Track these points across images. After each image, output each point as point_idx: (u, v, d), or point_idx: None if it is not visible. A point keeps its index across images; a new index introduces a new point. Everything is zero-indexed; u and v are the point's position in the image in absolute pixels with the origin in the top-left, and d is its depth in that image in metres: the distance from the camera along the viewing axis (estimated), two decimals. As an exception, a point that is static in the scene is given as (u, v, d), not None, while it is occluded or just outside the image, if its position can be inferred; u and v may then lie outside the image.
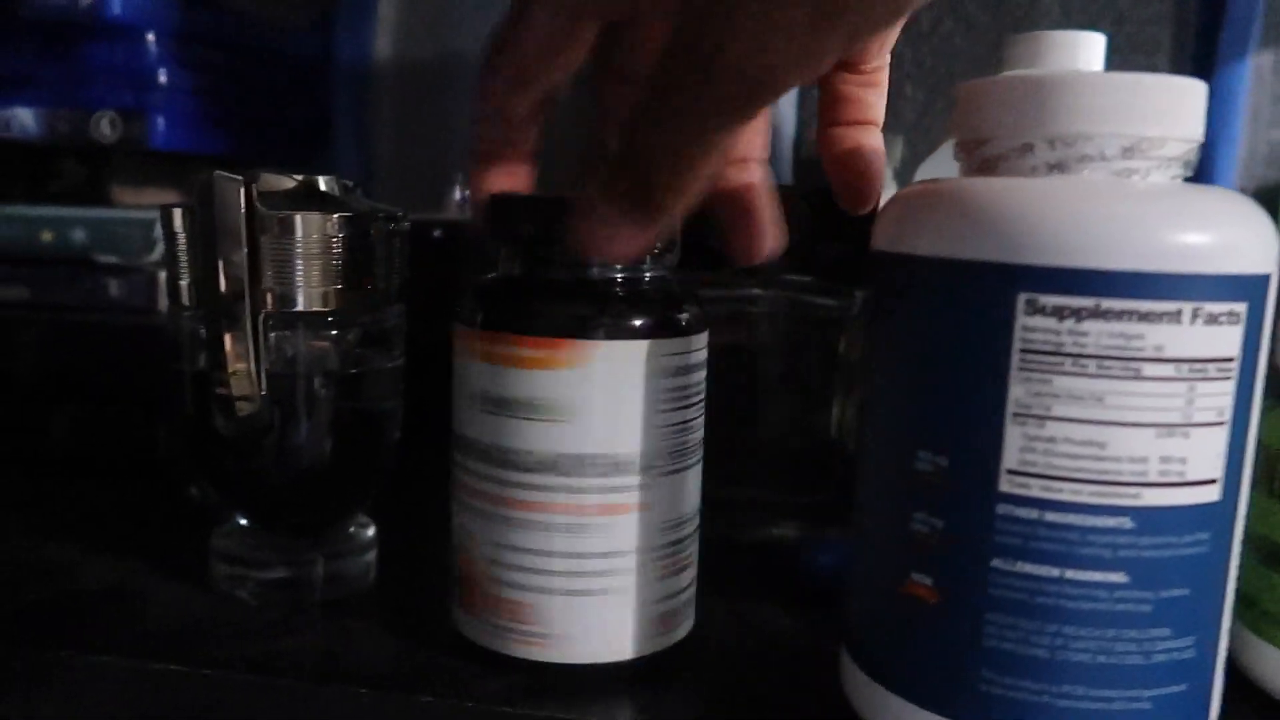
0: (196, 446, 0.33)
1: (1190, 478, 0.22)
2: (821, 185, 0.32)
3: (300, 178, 0.33)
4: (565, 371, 0.27)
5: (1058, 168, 0.23)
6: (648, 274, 0.29)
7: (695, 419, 0.30)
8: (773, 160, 0.50)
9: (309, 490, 0.34)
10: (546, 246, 0.28)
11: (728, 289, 0.43)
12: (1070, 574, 0.23)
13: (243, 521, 0.34)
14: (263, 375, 0.31)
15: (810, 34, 0.21)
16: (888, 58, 0.31)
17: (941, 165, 0.41)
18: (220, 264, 0.30)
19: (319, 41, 0.62)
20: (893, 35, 0.30)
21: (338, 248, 0.32)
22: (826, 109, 0.31)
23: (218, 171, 0.30)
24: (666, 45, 0.23)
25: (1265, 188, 0.56)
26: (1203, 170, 0.54)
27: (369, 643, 0.31)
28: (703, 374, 0.30)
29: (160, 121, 0.49)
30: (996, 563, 0.23)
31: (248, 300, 0.30)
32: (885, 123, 0.31)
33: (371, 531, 0.36)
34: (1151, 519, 0.22)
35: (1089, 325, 0.22)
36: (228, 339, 0.30)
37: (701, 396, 0.30)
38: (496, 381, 0.28)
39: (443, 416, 0.31)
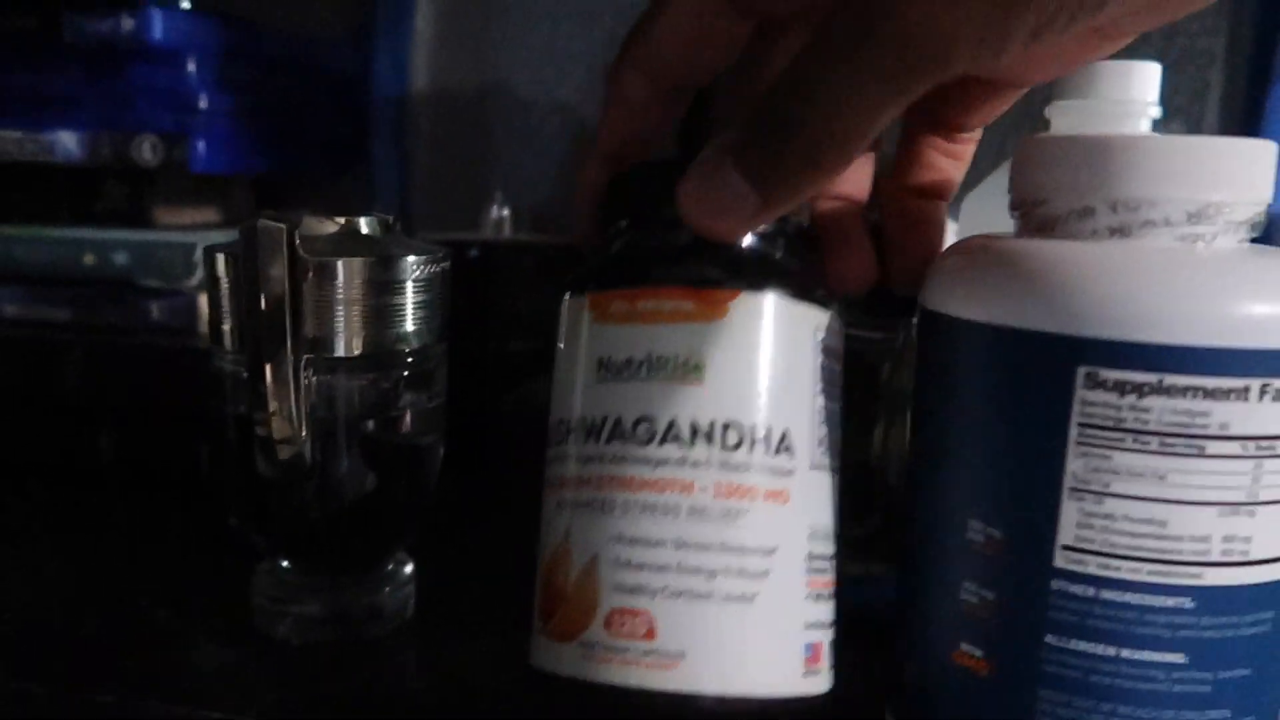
0: (238, 487, 0.34)
1: (1254, 557, 0.22)
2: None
3: (342, 221, 0.33)
4: (703, 324, 0.24)
5: (1119, 232, 0.23)
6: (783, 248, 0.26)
7: (840, 418, 0.26)
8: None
9: (349, 530, 0.34)
10: (672, 212, 0.24)
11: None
12: (1127, 653, 0.22)
13: (282, 560, 0.35)
14: (304, 419, 0.31)
15: (993, 12, 0.19)
16: (980, 134, 0.29)
17: (988, 198, 0.40)
18: (262, 310, 0.30)
19: (356, 58, 0.62)
20: (1008, 100, 0.28)
21: (379, 291, 0.32)
22: (905, 169, 0.29)
23: (262, 220, 0.29)
24: (833, 6, 0.21)
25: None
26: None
27: (414, 684, 0.31)
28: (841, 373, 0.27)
29: (201, 145, 0.49)
30: (1050, 639, 0.22)
31: (289, 345, 0.30)
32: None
33: (410, 568, 0.36)
34: (1213, 599, 0.22)
35: (1151, 401, 0.21)
36: (269, 382, 0.30)
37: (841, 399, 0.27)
38: (618, 342, 0.24)
39: (482, 444, 0.30)
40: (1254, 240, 0.24)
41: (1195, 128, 0.53)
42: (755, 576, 0.24)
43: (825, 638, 0.26)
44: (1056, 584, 0.22)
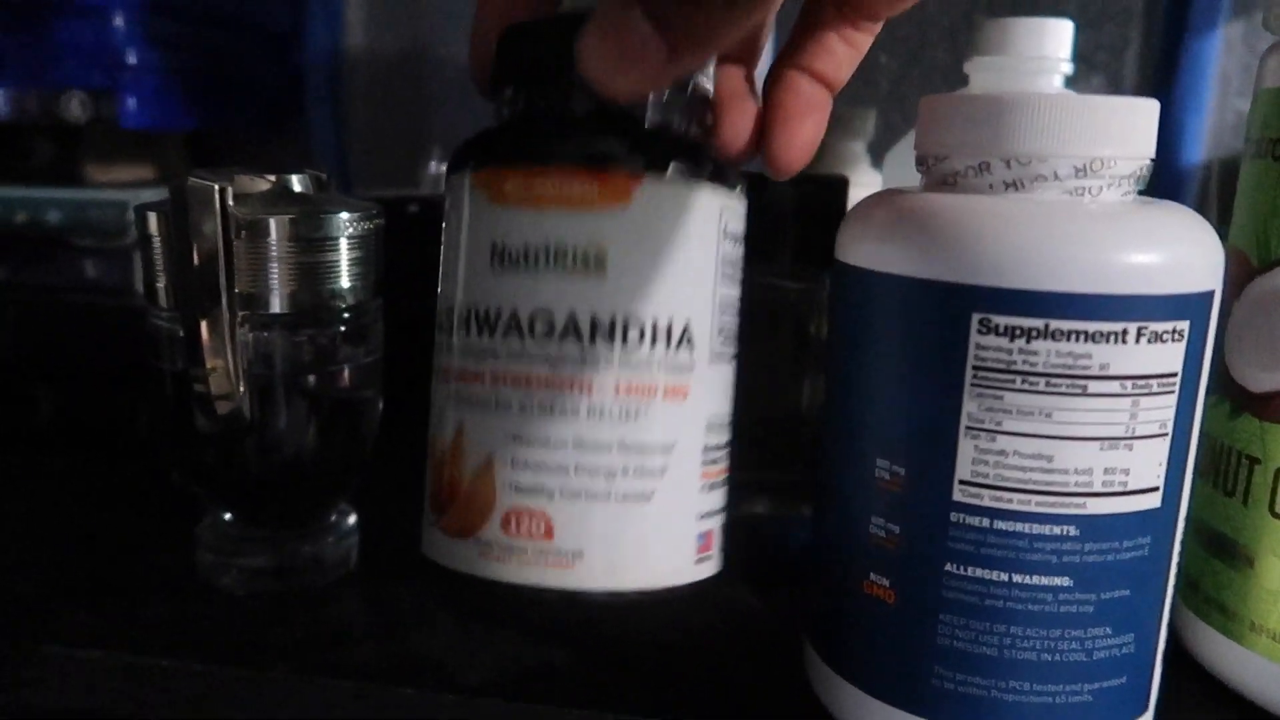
0: (178, 443, 0.34)
1: (1132, 487, 0.23)
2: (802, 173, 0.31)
3: (274, 178, 0.33)
4: (606, 213, 0.22)
5: (1013, 186, 0.24)
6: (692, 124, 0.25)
7: (739, 303, 0.26)
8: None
9: (290, 483, 0.35)
10: (569, 74, 0.21)
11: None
12: (1018, 579, 0.24)
13: (225, 514, 0.35)
14: (240, 375, 0.31)
15: None
16: (878, 29, 0.27)
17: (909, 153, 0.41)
18: (195, 267, 0.30)
19: (290, 13, 0.61)
20: None
21: (312, 248, 0.32)
22: (801, 51, 0.26)
23: (192, 178, 0.30)
24: None
25: (1232, 157, 0.57)
26: (1171, 140, 0.55)
27: (357, 631, 0.32)
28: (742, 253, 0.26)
29: (130, 101, 0.49)
30: (949, 567, 0.24)
31: (223, 302, 0.31)
32: (858, 93, 0.31)
33: (353, 519, 0.37)
34: (1095, 526, 0.23)
35: (1038, 345, 0.23)
36: (205, 340, 0.31)
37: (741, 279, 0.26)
38: (512, 228, 0.23)
39: (419, 400, 0.31)
40: (1141, 193, 0.25)
41: (1115, 83, 0.55)
42: (653, 474, 0.24)
43: (716, 524, 0.26)
44: (955, 516, 0.24)
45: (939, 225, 0.24)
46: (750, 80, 0.27)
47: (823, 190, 0.43)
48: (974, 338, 0.23)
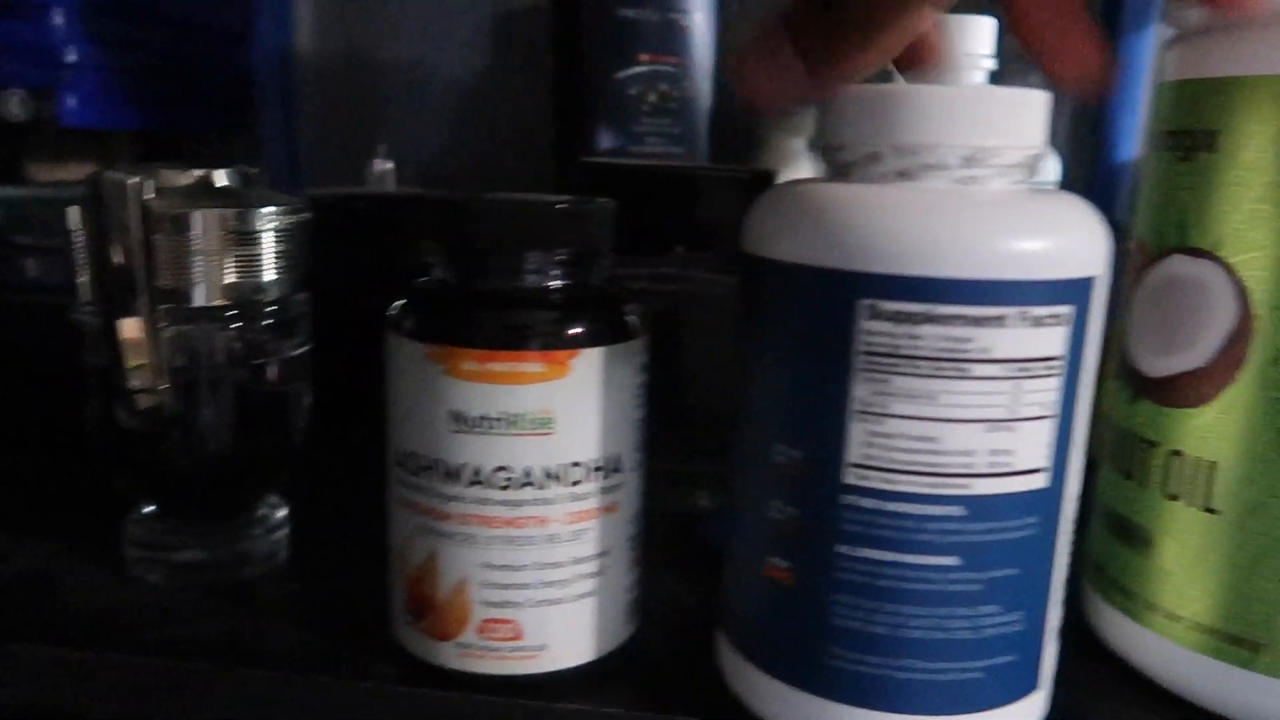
0: (105, 438, 0.34)
1: (1017, 468, 0.24)
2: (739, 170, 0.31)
3: (200, 173, 0.33)
4: (551, 383, 0.27)
5: (904, 175, 0.25)
6: (593, 279, 0.29)
7: (647, 413, 0.30)
8: (690, 124, 0.51)
9: (217, 477, 0.35)
10: (496, 255, 0.28)
11: (641, 268, 0.44)
12: (908, 558, 0.24)
13: (153, 508, 0.35)
14: (162, 369, 0.32)
15: None
16: None
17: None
18: (113, 262, 0.30)
19: (240, 13, 0.62)
20: None
21: (236, 242, 0.33)
22: None
23: (107, 172, 0.30)
24: None
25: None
26: (1105, 138, 0.56)
27: (282, 623, 0.33)
28: None
29: (71, 100, 0.49)
30: (841, 548, 0.25)
31: (143, 296, 0.31)
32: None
33: (283, 512, 0.37)
34: (981, 506, 0.24)
35: (923, 329, 0.23)
36: (124, 334, 0.31)
37: None
38: (469, 399, 0.27)
39: (355, 392, 0.31)
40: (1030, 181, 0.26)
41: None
42: (596, 575, 0.29)
43: (640, 590, 0.31)
44: (846, 499, 0.24)
45: (830, 214, 0.24)
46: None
47: (754, 185, 0.43)
48: (861, 323, 0.24)
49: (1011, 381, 0.24)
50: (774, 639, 0.26)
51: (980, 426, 0.24)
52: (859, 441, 0.24)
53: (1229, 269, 0.27)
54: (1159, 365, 0.29)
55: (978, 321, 0.23)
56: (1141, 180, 0.31)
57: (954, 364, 0.23)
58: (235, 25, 0.62)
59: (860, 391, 0.24)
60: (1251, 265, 0.26)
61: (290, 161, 0.63)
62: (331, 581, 0.35)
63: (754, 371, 0.26)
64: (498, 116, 0.59)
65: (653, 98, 0.50)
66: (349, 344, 0.40)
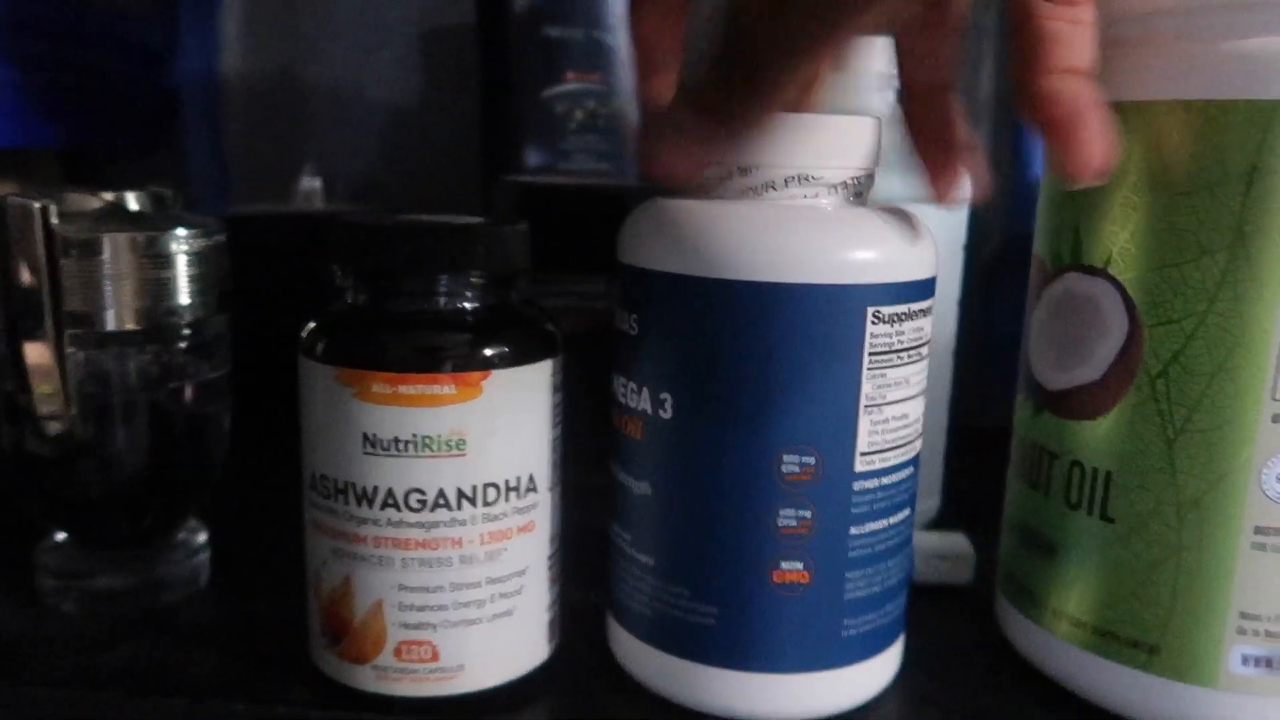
0: (15, 463, 0.34)
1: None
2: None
3: (110, 196, 0.33)
4: (463, 405, 0.27)
5: (750, 192, 0.26)
6: (511, 297, 0.29)
7: (563, 431, 0.30)
8: (617, 142, 0.52)
9: (132, 503, 0.35)
10: (405, 278, 0.28)
11: (567, 286, 0.44)
12: (894, 519, 0.28)
13: (66, 535, 0.35)
14: (70, 395, 0.31)
15: None
16: None
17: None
18: (16, 286, 0.30)
19: (163, 29, 0.61)
20: None
21: (147, 266, 0.32)
22: (1031, 53, 0.24)
23: (10, 196, 0.30)
24: None
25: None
26: (1025, 154, 0.57)
27: (201, 651, 0.32)
28: None
29: (-13, 119, 0.48)
30: (854, 530, 0.27)
31: (48, 321, 0.30)
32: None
33: (204, 536, 0.37)
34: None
35: (906, 325, 0.27)
36: (30, 359, 0.31)
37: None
38: (381, 422, 0.27)
39: (277, 413, 0.31)
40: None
41: (971, 99, 0.57)
42: (514, 595, 0.29)
43: (558, 609, 0.31)
44: (857, 485, 0.27)
45: (684, 226, 0.26)
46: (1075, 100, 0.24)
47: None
48: (869, 328, 0.26)
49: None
50: (790, 635, 0.27)
51: (921, 397, 0.28)
52: (866, 432, 0.27)
53: (1119, 286, 0.28)
54: (1058, 379, 0.30)
55: (929, 312, 0.27)
56: (1039, 200, 0.32)
57: (919, 350, 0.27)
58: (160, 42, 0.61)
59: (869, 388, 0.26)
60: (1139, 283, 0.27)
61: (219, 179, 0.62)
62: (253, 605, 0.35)
63: (746, 391, 0.27)
64: (427, 134, 0.59)
65: (580, 115, 0.51)
66: (270, 365, 0.40)
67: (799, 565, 0.27)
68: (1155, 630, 0.28)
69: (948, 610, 0.35)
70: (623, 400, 0.28)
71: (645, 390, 0.27)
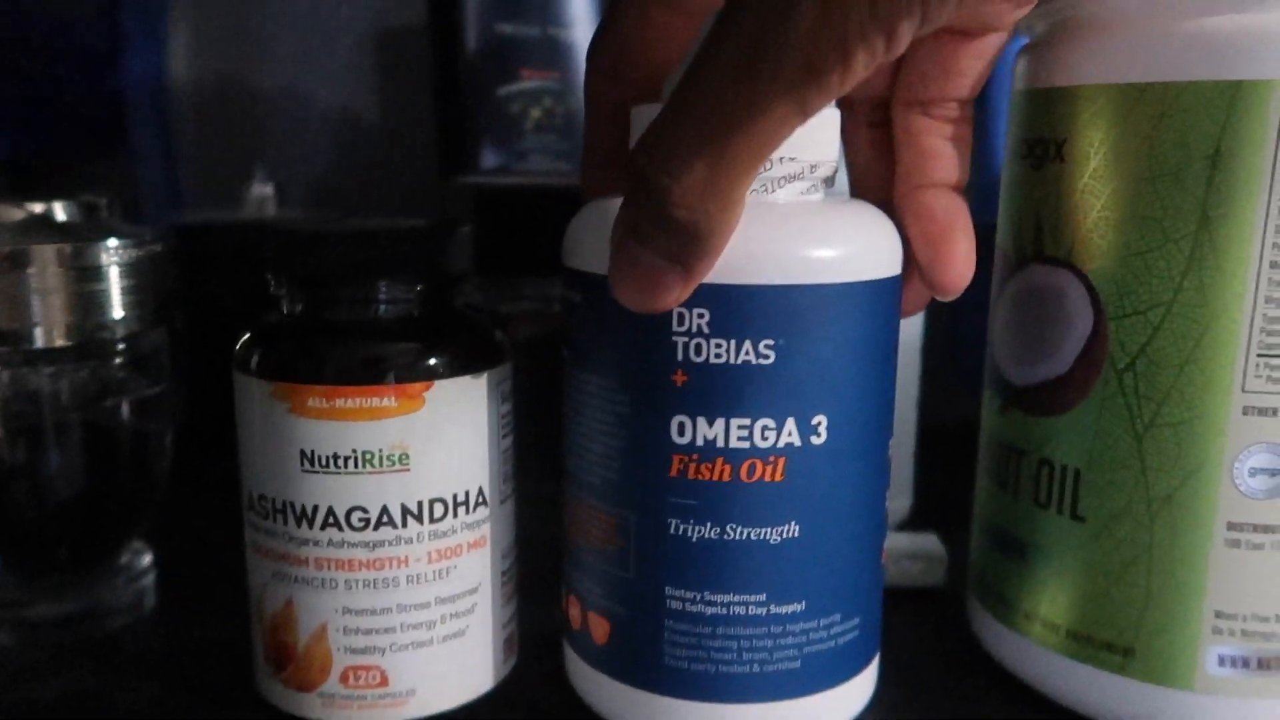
0: (-58, 489, 0.32)
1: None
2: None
3: (38, 208, 0.32)
4: (404, 418, 0.25)
5: None
6: (458, 304, 0.28)
7: (515, 441, 0.29)
8: (577, 141, 0.50)
9: (69, 527, 0.33)
10: (340, 285, 0.26)
11: (523, 288, 0.43)
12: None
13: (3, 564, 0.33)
14: (-2, 415, 0.30)
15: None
16: (971, 106, 0.26)
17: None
18: (-62, 305, 0.29)
19: (107, 36, 0.59)
20: (990, 50, 0.25)
21: (77, 279, 0.31)
22: (913, 168, 0.26)
23: (-75, 209, 0.28)
24: (714, 23, 0.20)
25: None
26: (988, 149, 0.56)
27: (144, 680, 0.31)
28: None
29: (-79, 130, 0.46)
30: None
31: (-27, 340, 0.29)
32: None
33: (148, 559, 0.35)
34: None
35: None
36: (-44, 381, 0.29)
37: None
38: (319, 438, 0.25)
39: (223, 428, 0.30)
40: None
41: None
42: (465, 614, 0.28)
43: (515, 625, 0.30)
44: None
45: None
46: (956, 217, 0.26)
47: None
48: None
49: (866, 399, 0.23)
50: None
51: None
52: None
53: (1082, 276, 0.27)
54: (1024, 374, 0.29)
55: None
56: (1002, 190, 0.31)
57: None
58: (104, 49, 0.59)
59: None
60: (1103, 273, 0.26)
61: (169, 187, 0.61)
62: (200, 631, 0.34)
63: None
64: (382, 137, 0.58)
65: (536, 114, 0.50)
66: (221, 379, 0.38)
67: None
68: (1129, 632, 0.27)
69: (920, 614, 0.34)
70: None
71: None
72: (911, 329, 0.40)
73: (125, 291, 0.32)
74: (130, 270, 0.32)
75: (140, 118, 0.60)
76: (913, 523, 0.41)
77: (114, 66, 0.60)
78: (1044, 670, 0.29)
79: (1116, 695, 0.27)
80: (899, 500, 0.41)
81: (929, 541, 0.37)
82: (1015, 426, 0.29)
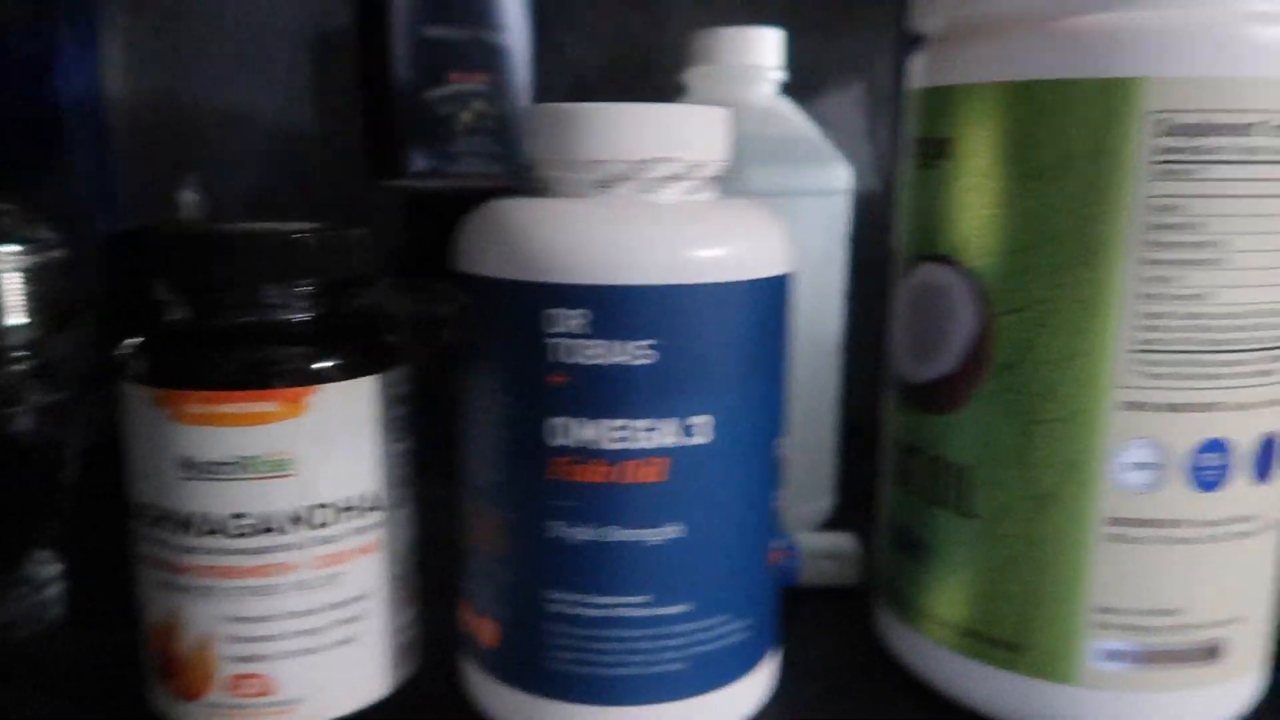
0: None
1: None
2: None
3: (-70, 212, 0.31)
4: (287, 423, 0.25)
5: (593, 187, 0.25)
6: (349, 306, 0.28)
7: (412, 444, 0.29)
8: (509, 143, 0.50)
9: (-31, 536, 0.33)
10: (222, 290, 0.26)
11: (447, 291, 0.43)
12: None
13: (-99, 573, 0.33)
14: (-112, 425, 0.29)
15: None
16: None
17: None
18: None
19: (41, 42, 0.59)
20: None
21: (-31, 285, 0.31)
22: None
23: None
24: None
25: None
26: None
27: (38, 693, 0.30)
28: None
29: None
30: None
31: None
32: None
33: (55, 569, 0.35)
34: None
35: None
36: None
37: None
38: (199, 444, 0.25)
39: None
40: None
41: (872, 90, 0.57)
42: (355, 620, 0.27)
43: (414, 630, 0.30)
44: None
45: (508, 229, 0.25)
46: None
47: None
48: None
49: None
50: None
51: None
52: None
53: (969, 274, 0.27)
54: (918, 372, 0.29)
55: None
56: (899, 190, 0.31)
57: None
58: (38, 58, 0.59)
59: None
60: (989, 270, 0.26)
61: (104, 195, 0.60)
62: (106, 641, 0.33)
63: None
64: (316, 142, 0.57)
65: (467, 117, 0.49)
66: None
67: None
68: (1016, 628, 0.27)
69: (833, 614, 0.34)
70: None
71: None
72: (830, 328, 0.40)
73: (27, 298, 0.32)
74: (31, 276, 0.32)
75: (74, 126, 0.59)
76: (837, 522, 0.41)
77: (48, 75, 0.59)
78: (940, 668, 0.29)
79: (1006, 691, 0.27)
80: (822, 500, 0.42)
81: (845, 540, 0.37)
82: (911, 425, 0.29)
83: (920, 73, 0.29)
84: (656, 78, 0.44)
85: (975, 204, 0.26)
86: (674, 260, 0.23)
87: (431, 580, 0.31)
